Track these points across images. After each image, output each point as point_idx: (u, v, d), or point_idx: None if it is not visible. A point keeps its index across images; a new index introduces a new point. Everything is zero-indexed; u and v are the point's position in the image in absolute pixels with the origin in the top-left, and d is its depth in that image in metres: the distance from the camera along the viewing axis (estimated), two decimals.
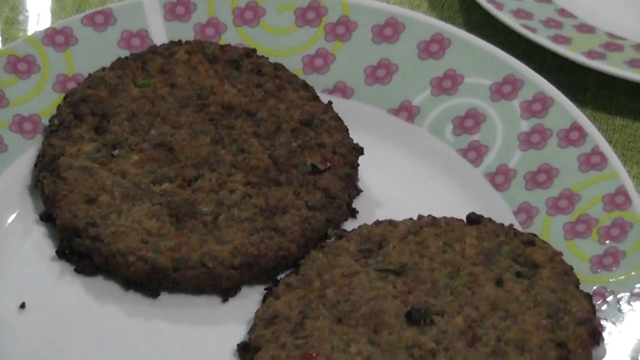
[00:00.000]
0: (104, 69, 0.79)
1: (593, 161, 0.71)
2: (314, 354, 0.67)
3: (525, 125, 0.74)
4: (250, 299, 0.71)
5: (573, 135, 0.72)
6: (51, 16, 0.87)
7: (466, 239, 0.72)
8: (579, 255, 0.68)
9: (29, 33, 0.86)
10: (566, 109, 0.73)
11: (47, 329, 0.72)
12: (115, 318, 0.71)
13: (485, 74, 0.76)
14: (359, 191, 0.75)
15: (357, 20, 0.78)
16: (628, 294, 0.66)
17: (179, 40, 0.80)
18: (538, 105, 0.74)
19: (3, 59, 0.77)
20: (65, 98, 0.79)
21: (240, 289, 0.72)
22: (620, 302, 0.67)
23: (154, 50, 0.79)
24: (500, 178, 0.72)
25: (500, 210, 0.73)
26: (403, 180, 0.77)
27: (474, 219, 0.73)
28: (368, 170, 0.75)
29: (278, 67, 0.76)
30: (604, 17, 0.86)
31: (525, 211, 0.73)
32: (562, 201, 0.70)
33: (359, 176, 0.78)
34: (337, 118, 0.78)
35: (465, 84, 0.75)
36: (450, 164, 0.75)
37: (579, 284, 0.71)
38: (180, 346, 0.71)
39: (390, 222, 0.73)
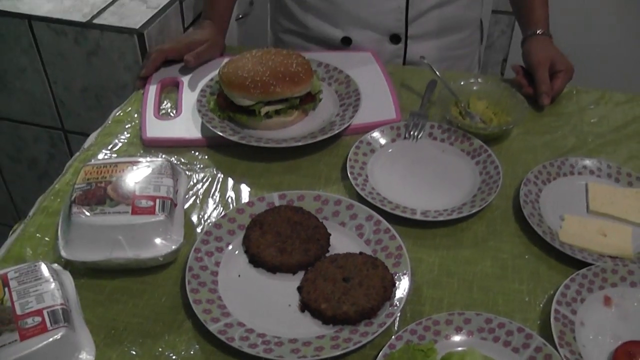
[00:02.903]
0: (261, 213, 1.30)
1: (391, 239, 1.25)
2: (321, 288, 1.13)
3: (373, 237, 1.29)
4: (301, 274, 1.21)
5: (387, 231, 1.25)
6: (249, 197, 1.36)
7: (359, 259, 1.20)
8: (386, 260, 1.20)
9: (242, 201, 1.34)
10: (389, 228, 1.26)
11: (246, 284, 1.18)
12: (263, 279, 1.21)
13: (364, 211, 1.26)
14: (329, 245, 1.24)
15: (329, 199, 1.26)
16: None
17: (281, 205, 1.31)
18: (385, 226, 1.27)
19: (230, 215, 1.30)
20: (251, 220, 1.29)
21: (297, 271, 1.23)
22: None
23: (274, 208, 1.31)
24: (368, 242, 1.24)
25: (368, 251, 1.22)
26: (342, 242, 1.25)
27: (361, 253, 1.20)
28: (333, 239, 1.28)
29: (309, 212, 1.27)
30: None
31: (374, 252, 1.22)
32: (384, 248, 1.23)
33: (330, 240, 1.26)
34: (323, 225, 1.26)
35: (358, 217, 1.28)
36: (354, 239, 1.27)
37: (388, 268, 1.20)
38: (280, 288, 1.19)
39: (338, 254, 1.21)
